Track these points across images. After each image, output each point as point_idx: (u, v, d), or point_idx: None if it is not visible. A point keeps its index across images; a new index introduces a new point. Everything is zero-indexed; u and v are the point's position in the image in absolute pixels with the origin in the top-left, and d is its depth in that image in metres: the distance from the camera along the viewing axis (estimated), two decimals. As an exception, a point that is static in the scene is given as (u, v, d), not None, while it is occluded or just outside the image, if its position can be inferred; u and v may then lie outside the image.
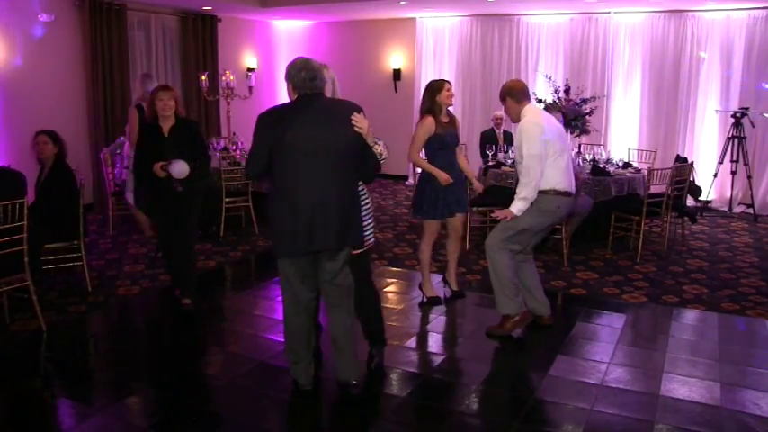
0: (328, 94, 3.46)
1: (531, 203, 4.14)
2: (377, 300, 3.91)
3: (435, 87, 4.67)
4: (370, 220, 3.66)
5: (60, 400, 3.60)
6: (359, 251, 3.57)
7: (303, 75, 3.22)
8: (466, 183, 4.97)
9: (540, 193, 4.14)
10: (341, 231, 3.23)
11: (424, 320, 4.76)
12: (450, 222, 4.93)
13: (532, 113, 4.23)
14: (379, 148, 3.32)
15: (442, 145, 4.68)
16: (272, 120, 3.25)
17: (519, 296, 4.36)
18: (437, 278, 5.42)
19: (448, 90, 4.65)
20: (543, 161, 4.08)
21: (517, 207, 4.14)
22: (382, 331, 3.91)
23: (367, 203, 3.64)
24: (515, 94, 4.25)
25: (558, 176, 4.17)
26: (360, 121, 3.20)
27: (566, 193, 4.22)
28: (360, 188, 3.55)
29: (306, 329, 3.46)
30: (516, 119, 4.28)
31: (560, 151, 4.18)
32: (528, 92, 4.33)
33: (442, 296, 5.08)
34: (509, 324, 4.36)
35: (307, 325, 3.46)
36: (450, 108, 4.77)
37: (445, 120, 4.71)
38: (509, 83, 4.39)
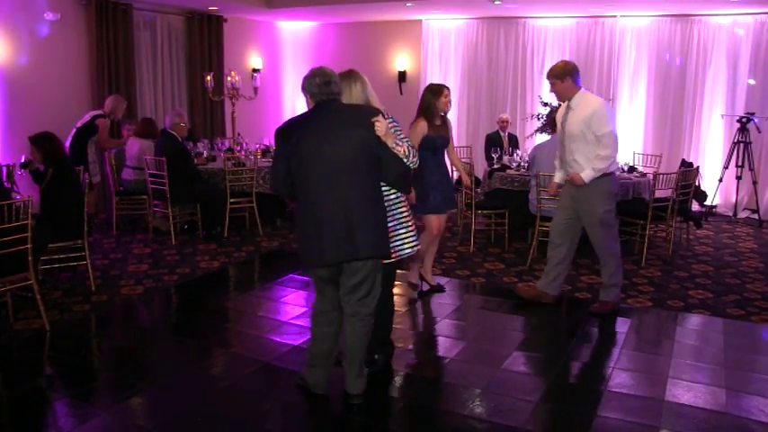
0: (359, 96, 3.45)
1: (603, 191, 4.58)
2: (392, 311, 3.86)
3: (436, 91, 4.80)
4: (402, 231, 3.52)
5: (63, 400, 3.59)
6: (388, 261, 3.46)
7: (317, 80, 3.18)
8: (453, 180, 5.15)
9: (607, 176, 4.58)
10: (363, 240, 3.14)
11: (428, 323, 4.75)
12: (434, 220, 5.04)
13: (599, 99, 4.66)
14: (402, 150, 3.18)
15: (433, 146, 4.77)
16: (286, 131, 3.24)
17: (620, 277, 4.85)
18: (442, 279, 5.43)
19: (446, 96, 4.80)
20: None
21: (590, 176, 4.55)
22: (390, 341, 3.90)
23: (402, 212, 3.53)
24: (575, 76, 4.59)
25: (617, 159, 4.71)
26: (379, 123, 3.12)
27: (614, 172, 4.77)
28: (396, 196, 3.50)
29: (327, 337, 3.42)
30: (567, 98, 4.62)
31: None
32: None
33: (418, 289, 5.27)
34: (610, 306, 4.84)
35: (328, 332, 3.42)
36: (447, 111, 4.91)
37: (438, 122, 4.82)
38: (571, 64, 4.66)
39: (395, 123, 3.48)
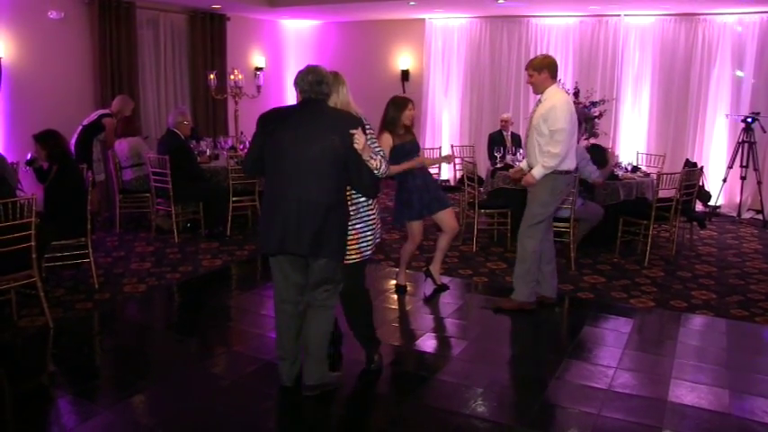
0: (345, 98, 3.47)
1: (547, 186, 4.57)
2: (368, 309, 3.81)
3: (400, 105, 4.84)
4: (368, 233, 3.55)
5: (66, 397, 3.59)
6: (351, 262, 3.50)
7: (310, 78, 3.24)
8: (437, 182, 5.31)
9: (559, 174, 4.57)
10: (316, 239, 3.19)
11: (431, 322, 4.75)
12: (441, 219, 5.08)
13: (564, 95, 4.67)
14: (374, 163, 3.28)
15: (404, 152, 4.79)
16: (268, 119, 3.32)
17: (532, 286, 4.78)
18: (444, 278, 5.43)
19: (410, 110, 4.86)
20: (572, 138, 4.52)
21: (539, 173, 4.56)
22: (373, 336, 3.87)
23: (369, 215, 3.56)
24: (553, 70, 4.60)
25: (572, 158, 4.65)
26: (358, 137, 3.18)
27: (572, 171, 4.76)
28: (364, 199, 3.52)
29: (289, 329, 3.48)
30: (541, 91, 4.62)
31: (575, 136, 4.68)
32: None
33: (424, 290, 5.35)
34: (516, 303, 4.80)
35: (290, 324, 3.47)
36: (410, 124, 4.92)
37: (401, 131, 4.85)
38: (551, 58, 4.70)
39: (371, 131, 3.53)
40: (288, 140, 3.20)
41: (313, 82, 3.23)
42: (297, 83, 3.29)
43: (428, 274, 5.36)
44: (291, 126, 3.23)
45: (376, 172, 3.29)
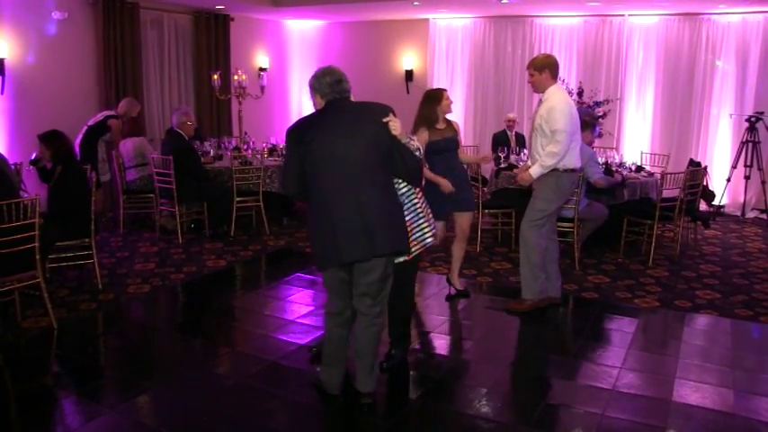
0: None
1: (551, 183, 4.58)
2: (413, 304, 3.83)
3: (436, 97, 4.78)
4: (422, 222, 3.44)
5: (70, 398, 3.60)
6: (406, 258, 3.41)
7: (328, 79, 3.17)
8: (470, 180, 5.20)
9: (563, 172, 4.59)
10: (382, 236, 3.09)
11: (436, 322, 4.74)
12: (457, 222, 5.01)
13: (564, 94, 4.66)
14: (415, 144, 3.22)
15: (438, 150, 4.71)
16: (298, 131, 3.21)
17: (540, 281, 4.77)
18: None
19: (447, 99, 4.80)
20: (573, 138, 4.51)
21: (536, 172, 4.57)
22: (408, 334, 3.88)
23: (416, 204, 3.45)
24: (554, 70, 4.59)
25: (575, 157, 4.64)
26: (393, 123, 3.10)
27: (576, 170, 4.76)
28: (408, 188, 3.43)
29: (340, 338, 3.41)
30: (541, 90, 4.61)
31: (577, 135, 4.65)
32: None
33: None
34: (527, 303, 4.78)
35: (341, 334, 3.40)
36: (451, 113, 4.89)
37: (441, 126, 4.78)
38: (552, 58, 4.68)
39: None
40: (329, 145, 3.09)
41: (332, 82, 3.16)
42: (315, 88, 3.20)
43: (449, 283, 5.29)
44: (327, 130, 3.12)
45: (417, 153, 3.21)
